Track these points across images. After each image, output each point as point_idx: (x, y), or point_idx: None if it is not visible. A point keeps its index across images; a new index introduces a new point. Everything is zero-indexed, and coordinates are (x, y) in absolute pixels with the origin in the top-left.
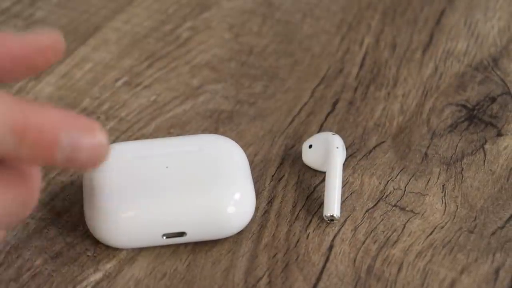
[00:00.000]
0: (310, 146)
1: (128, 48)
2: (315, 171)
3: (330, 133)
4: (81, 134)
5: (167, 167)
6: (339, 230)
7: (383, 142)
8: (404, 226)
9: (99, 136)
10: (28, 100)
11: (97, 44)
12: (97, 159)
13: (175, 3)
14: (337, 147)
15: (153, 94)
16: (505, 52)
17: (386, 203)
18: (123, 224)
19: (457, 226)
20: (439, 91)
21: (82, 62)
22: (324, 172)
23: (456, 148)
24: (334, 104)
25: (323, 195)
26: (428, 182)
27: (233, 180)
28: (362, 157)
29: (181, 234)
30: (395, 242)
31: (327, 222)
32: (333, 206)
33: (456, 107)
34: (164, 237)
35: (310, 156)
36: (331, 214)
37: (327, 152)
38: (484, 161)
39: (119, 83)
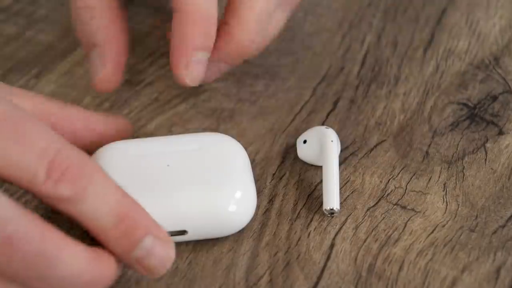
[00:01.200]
0: (305, 141)
1: (129, 45)
2: (316, 169)
3: (323, 127)
4: (161, 243)
5: (168, 165)
6: (340, 228)
7: (384, 140)
8: (405, 225)
9: (171, 251)
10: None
11: None
12: (159, 269)
13: None
14: (332, 140)
15: (155, 92)
16: (507, 50)
17: (387, 202)
18: None
19: (458, 224)
20: (440, 90)
21: (83, 60)
22: (321, 166)
23: (458, 146)
24: (335, 102)
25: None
26: (429, 180)
27: (234, 179)
28: (363, 156)
29: (182, 232)
30: (396, 240)
31: (328, 216)
32: (332, 199)
33: (457, 105)
34: None
35: (305, 151)
36: (331, 208)
37: (321, 146)
38: (486, 159)
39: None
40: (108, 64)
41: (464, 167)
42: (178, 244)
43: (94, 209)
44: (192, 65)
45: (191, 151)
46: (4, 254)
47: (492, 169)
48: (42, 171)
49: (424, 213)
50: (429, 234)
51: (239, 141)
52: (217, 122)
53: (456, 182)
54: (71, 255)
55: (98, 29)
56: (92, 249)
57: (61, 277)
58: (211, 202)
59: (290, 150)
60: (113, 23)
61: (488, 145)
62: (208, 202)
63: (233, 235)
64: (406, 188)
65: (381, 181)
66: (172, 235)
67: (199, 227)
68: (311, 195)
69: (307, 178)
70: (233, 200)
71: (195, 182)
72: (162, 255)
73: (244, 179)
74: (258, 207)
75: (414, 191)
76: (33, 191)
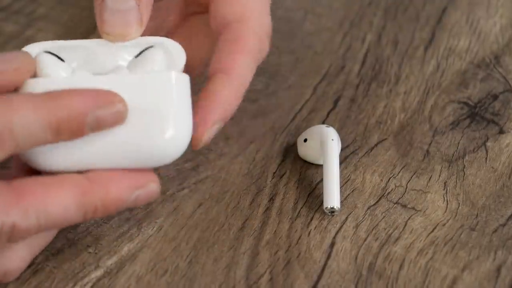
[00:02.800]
0: (305, 140)
1: None
2: (317, 167)
3: (324, 126)
4: (104, 108)
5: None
6: (341, 227)
7: (384, 139)
8: (406, 224)
9: (118, 105)
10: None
11: None
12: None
13: None
14: (332, 139)
15: None
16: (507, 49)
17: (387, 200)
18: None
19: (458, 223)
20: (441, 89)
21: None
22: (321, 165)
23: (458, 145)
24: (336, 101)
25: None
26: (429, 179)
27: (169, 105)
28: (364, 154)
29: None
30: (397, 239)
31: (328, 215)
32: (332, 198)
33: (458, 104)
34: None
35: (306, 149)
36: (331, 206)
37: (322, 144)
38: (486, 158)
39: None
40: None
41: (464, 166)
42: (178, 243)
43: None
44: (212, 133)
45: (122, 76)
46: None
47: (492, 168)
48: None
49: (424, 211)
50: (430, 233)
51: (239, 139)
52: None
53: (456, 181)
54: None
55: None
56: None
57: None
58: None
59: (290, 148)
60: None
61: (488, 144)
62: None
63: (233, 233)
64: (407, 187)
65: (381, 180)
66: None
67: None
68: (312, 194)
69: (308, 176)
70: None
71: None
72: (112, 113)
73: (179, 105)
74: (258, 205)
75: (415, 189)
76: None
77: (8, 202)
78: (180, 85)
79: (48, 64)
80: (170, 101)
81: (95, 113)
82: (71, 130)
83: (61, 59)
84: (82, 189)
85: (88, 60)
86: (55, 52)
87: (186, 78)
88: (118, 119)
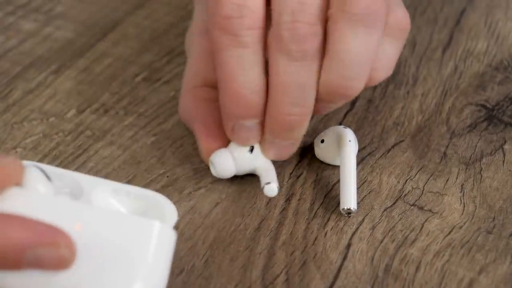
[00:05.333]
0: (322, 141)
1: (147, 43)
2: (334, 168)
3: (341, 127)
4: (45, 249)
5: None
6: (357, 228)
7: (402, 141)
8: (422, 226)
9: (62, 250)
10: None
11: (116, 39)
12: (62, 263)
13: None
14: (350, 140)
15: (172, 90)
16: None
17: (404, 202)
18: None
19: (475, 226)
20: (458, 91)
21: (101, 57)
22: (338, 166)
23: (475, 148)
24: (353, 102)
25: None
26: (446, 181)
27: (143, 256)
28: (381, 156)
29: None
30: (413, 241)
31: (345, 216)
32: (349, 199)
33: (475, 107)
34: None
35: (323, 150)
36: (348, 207)
37: (339, 145)
38: (504, 161)
39: (139, 78)
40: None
41: (481, 168)
42: (194, 242)
43: None
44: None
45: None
46: None
47: (510, 170)
48: None
49: (441, 214)
50: (446, 235)
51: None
52: None
53: (473, 183)
54: None
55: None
56: None
57: None
58: None
59: (307, 149)
60: None
61: (506, 146)
62: None
63: (249, 233)
64: (424, 189)
65: (398, 182)
66: None
67: None
68: (328, 195)
69: (325, 177)
70: None
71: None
72: (53, 257)
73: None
74: (275, 206)
75: (432, 192)
76: None
77: None
78: (163, 239)
79: (32, 177)
80: (146, 253)
81: (34, 251)
82: (6, 262)
83: (48, 178)
84: None
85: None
86: (45, 170)
87: (172, 236)
88: (60, 264)
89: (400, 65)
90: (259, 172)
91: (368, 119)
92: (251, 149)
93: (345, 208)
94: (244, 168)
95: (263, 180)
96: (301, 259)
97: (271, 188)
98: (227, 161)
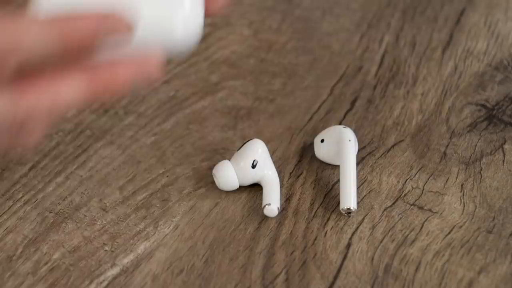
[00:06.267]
0: (322, 141)
1: None
2: (333, 168)
3: (341, 126)
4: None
5: None
6: (357, 228)
7: (401, 140)
8: (422, 225)
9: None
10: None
11: None
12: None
13: None
14: (349, 140)
15: (172, 89)
16: None
17: (404, 202)
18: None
19: (475, 226)
20: (458, 90)
21: None
22: (338, 166)
23: (475, 147)
24: (353, 102)
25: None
26: (446, 181)
27: None
28: (381, 156)
29: None
30: (413, 241)
31: (345, 215)
32: (349, 198)
33: (475, 106)
34: None
35: (323, 150)
36: (348, 207)
37: (339, 145)
38: (503, 161)
39: None
40: None
41: (481, 168)
42: (195, 242)
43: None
44: None
45: None
46: None
47: (510, 170)
48: None
49: (441, 214)
50: (446, 235)
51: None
52: (234, 120)
53: (473, 183)
54: None
55: None
56: None
57: None
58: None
59: (307, 149)
60: None
61: (506, 146)
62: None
63: (249, 233)
64: (423, 189)
65: (398, 181)
66: None
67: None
68: (328, 194)
69: (324, 177)
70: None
71: None
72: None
73: None
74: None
75: (431, 191)
76: None
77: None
78: None
79: None
80: None
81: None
82: (81, 48)
83: None
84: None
85: None
86: None
87: None
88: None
89: (400, 65)
90: (263, 185)
91: (368, 119)
92: (254, 165)
93: (345, 207)
94: (248, 181)
95: (265, 200)
96: (301, 258)
97: (271, 209)
98: (230, 174)
